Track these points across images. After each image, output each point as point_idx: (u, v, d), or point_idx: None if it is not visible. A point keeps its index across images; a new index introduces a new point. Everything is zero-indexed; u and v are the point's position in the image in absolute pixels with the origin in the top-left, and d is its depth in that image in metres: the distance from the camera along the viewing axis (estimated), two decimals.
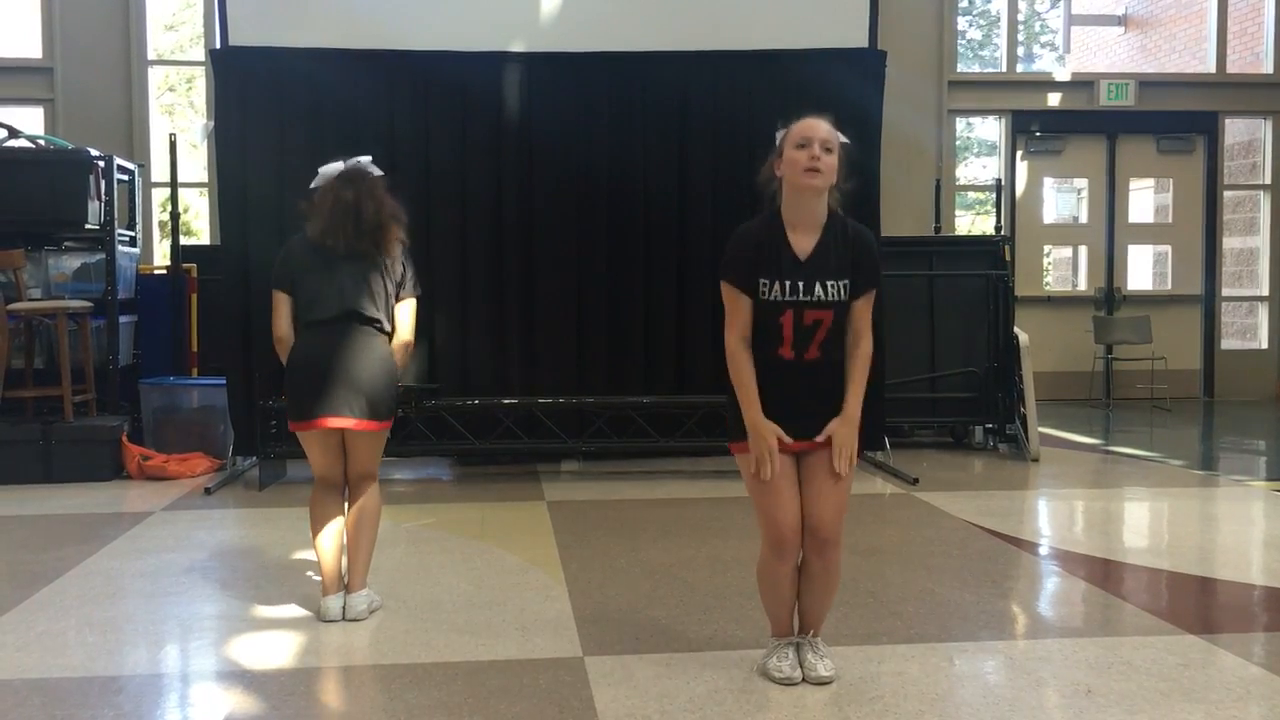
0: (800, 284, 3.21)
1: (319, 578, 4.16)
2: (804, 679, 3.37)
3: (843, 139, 3.30)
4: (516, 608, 4.19)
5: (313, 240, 4.07)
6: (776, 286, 3.21)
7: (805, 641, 3.44)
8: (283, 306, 4.11)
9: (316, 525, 4.08)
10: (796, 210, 3.27)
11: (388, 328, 4.11)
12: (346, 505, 4.14)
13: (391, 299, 4.12)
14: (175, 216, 8.13)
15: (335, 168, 4.14)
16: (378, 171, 4.17)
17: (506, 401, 6.95)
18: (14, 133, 7.65)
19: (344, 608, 4.03)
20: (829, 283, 3.22)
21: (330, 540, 4.06)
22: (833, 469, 3.28)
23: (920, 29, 10.83)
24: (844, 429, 3.27)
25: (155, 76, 10.84)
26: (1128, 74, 11.89)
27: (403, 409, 6.72)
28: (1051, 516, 6.22)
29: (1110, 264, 11.52)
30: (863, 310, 3.29)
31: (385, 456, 7.03)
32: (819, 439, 3.29)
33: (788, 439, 3.26)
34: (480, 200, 7.04)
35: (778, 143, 3.31)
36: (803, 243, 3.26)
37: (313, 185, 4.13)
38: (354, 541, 4.09)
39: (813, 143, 3.20)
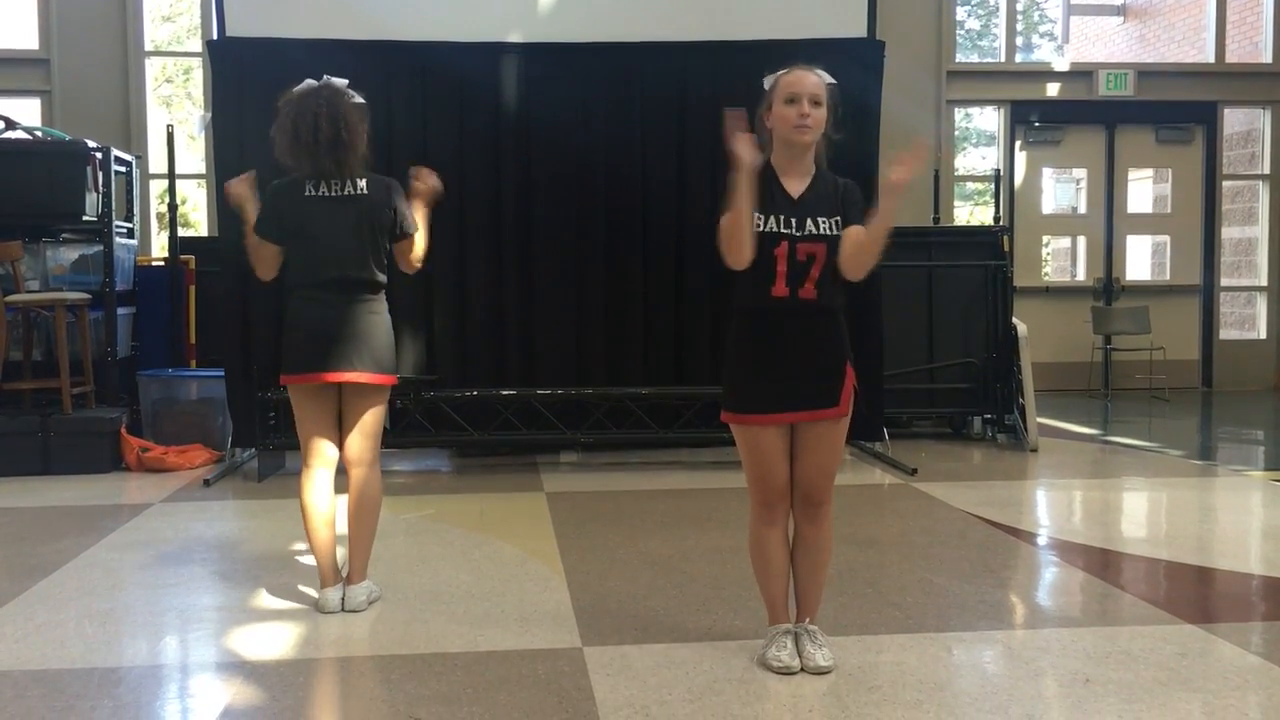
0: (794, 219, 3.24)
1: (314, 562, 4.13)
2: (802, 668, 3.37)
3: (829, 80, 3.30)
4: (515, 599, 4.19)
5: (282, 166, 3.96)
6: (771, 220, 3.23)
7: (803, 630, 3.44)
8: (265, 255, 4.02)
9: (309, 514, 4.01)
10: (786, 159, 3.31)
11: (380, 278, 4.03)
12: (336, 496, 4.10)
13: (383, 245, 4.02)
14: (173, 208, 8.11)
15: (308, 84, 4.04)
16: (355, 96, 4.05)
17: (505, 393, 6.95)
18: (11, 124, 7.63)
19: (343, 599, 4.02)
20: (821, 219, 3.25)
21: (324, 530, 4.02)
22: (823, 441, 3.31)
23: (919, 19, 10.81)
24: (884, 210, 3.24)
25: (152, 68, 10.82)
26: (1127, 64, 11.88)
27: (401, 400, 6.74)
28: (1050, 507, 6.23)
29: (1109, 254, 11.52)
30: (855, 233, 3.27)
31: (384, 449, 7.10)
32: (847, 401, 3.30)
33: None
34: (478, 191, 7.03)
35: (766, 91, 3.31)
36: (794, 186, 3.29)
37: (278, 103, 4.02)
38: (354, 531, 4.05)
39: (801, 98, 3.23)
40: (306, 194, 3.99)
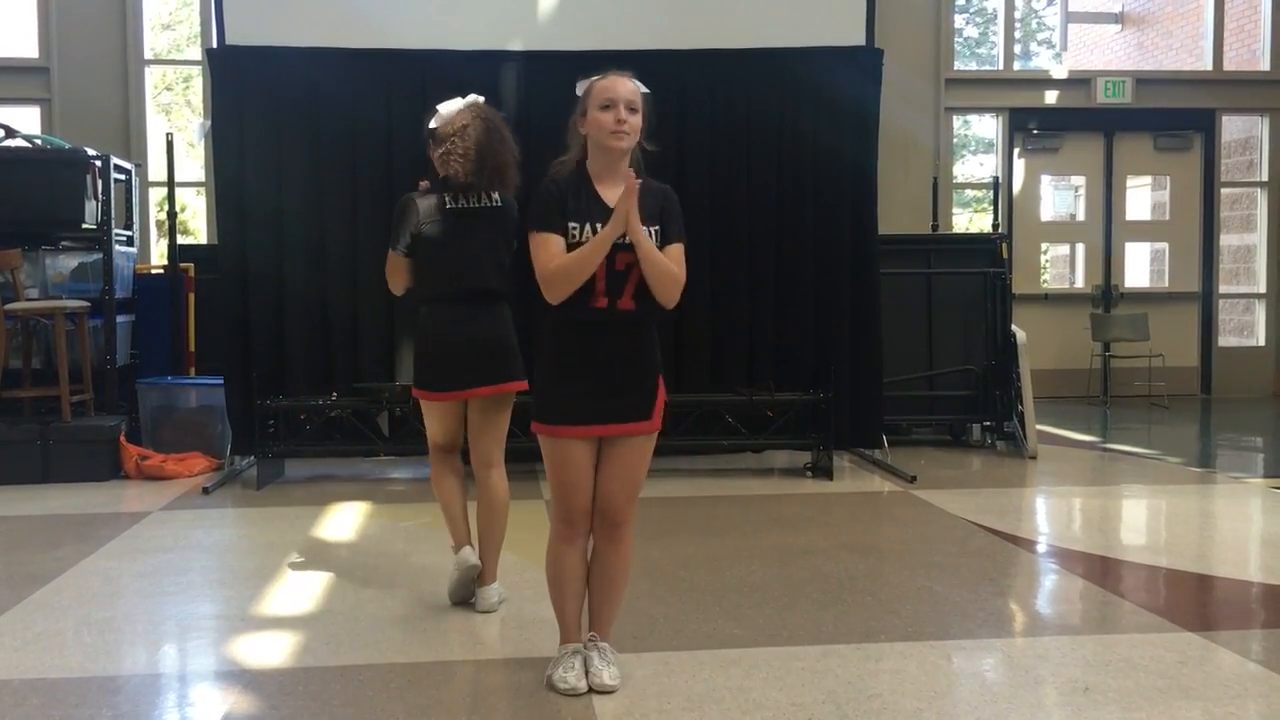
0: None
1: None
2: (589, 688, 3.29)
3: (644, 90, 3.25)
4: (515, 606, 4.19)
5: (446, 188, 4.05)
6: (588, 229, 3.16)
7: (593, 646, 3.36)
8: (403, 270, 4.14)
9: (446, 488, 4.22)
10: (602, 165, 3.25)
11: (506, 288, 4.15)
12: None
13: (510, 255, 4.16)
14: (172, 216, 8.11)
15: (458, 104, 4.13)
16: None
17: None
18: (11, 132, 7.63)
19: (479, 598, 4.12)
20: (642, 226, 3.16)
21: (460, 498, 4.21)
22: (631, 455, 3.26)
23: (917, 27, 10.83)
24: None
25: (152, 76, 10.82)
26: (1125, 71, 11.91)
27: (400, 408, 6.74)
28: (1049, 514, 6.22)
29: (1108, 261, 11.53)
30: (675, 254, 3.22)
31: (385, 455, 7.11)
32: (659, 417, 3.27)
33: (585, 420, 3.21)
34: None
35: (580, 97, 3.27)
36: (610, 194, 3.22)
37: (433, 125, 4.12)
38: (488, 533, 4.15)
39: (617, 104, 3.17)
40: (448, 206, 4.07)
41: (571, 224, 3.17)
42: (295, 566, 4.80)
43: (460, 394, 4.06)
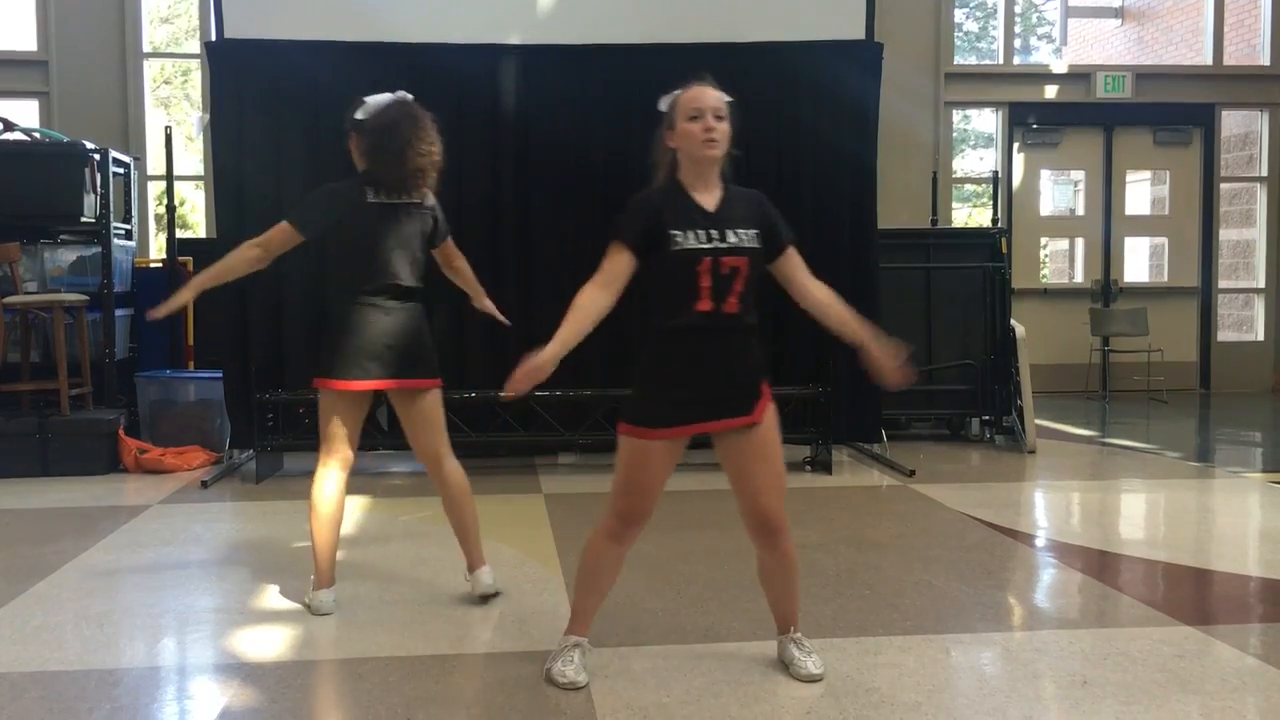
0: (714, 231, 3.17)
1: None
2: (792, 676, 3.35)
3: (727, 98, 3.28)
4: (513, 600, 4.19)
5: (368, 181, 3.99)
6: (691, 235, 3.16)
7: (790, 640, 3.42)
8: (285, 240, 3.99)
9: (319, 511, 3.99)
10: (694, 176, 3.25)
11: (422, 286, 4.11)
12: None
13: (427, 253, 4.15)
14: (171, 209, 8.11)
15: (386, 98, 4.08)
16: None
17: (503, 394, 6.93)
18: (9, 126, 7.63)
19: (473, 584, 4.12)
20: (740, 230, 3.19)
21: (331, 530, 4.02)
22: (766, 447, 3.26)
23: (917, 21, 10.82)
24: (883, 344, 3.30)
25: (151, 69, 10.81)
26: (1125, 66, 11.89)
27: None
28: (1048, 508, 6.23)
29: (1107, 256, 11.53)
30: (798, 258, 3.29)
31: (384, 450, 7.11)
32: (761, 412, 3.24)
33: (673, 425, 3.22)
34: (476, 193, 7.02)
35: (666, 111, 3.29)
36: (706, 200, 3.23)
37: (359, 117, 4.05)
38: (462, 521, 4.15)
39: (705, 113, 3.19)
40: (369, 200, 4.01)
41: (674, 232, 3.15)
42: (293, 560, 4.79)
43: (368, 384, 3.95)
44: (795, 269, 3.32)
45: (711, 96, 3.23)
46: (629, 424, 3.25)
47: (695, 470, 6.85)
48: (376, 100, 4.08)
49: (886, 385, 3.26)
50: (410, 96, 4.15)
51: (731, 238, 3.17)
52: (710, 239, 3.16)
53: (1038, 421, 7.96)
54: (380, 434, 6.87)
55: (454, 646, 3.71)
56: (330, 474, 4.00)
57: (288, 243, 4.02)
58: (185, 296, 4.13)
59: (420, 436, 4.10)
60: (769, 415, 3.27)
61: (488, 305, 4.56)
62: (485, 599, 4.14)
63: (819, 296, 3.33)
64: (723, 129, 3.21)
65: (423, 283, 4.11)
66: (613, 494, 3.31)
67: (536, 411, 6.98)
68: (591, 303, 3.19)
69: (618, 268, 3.19)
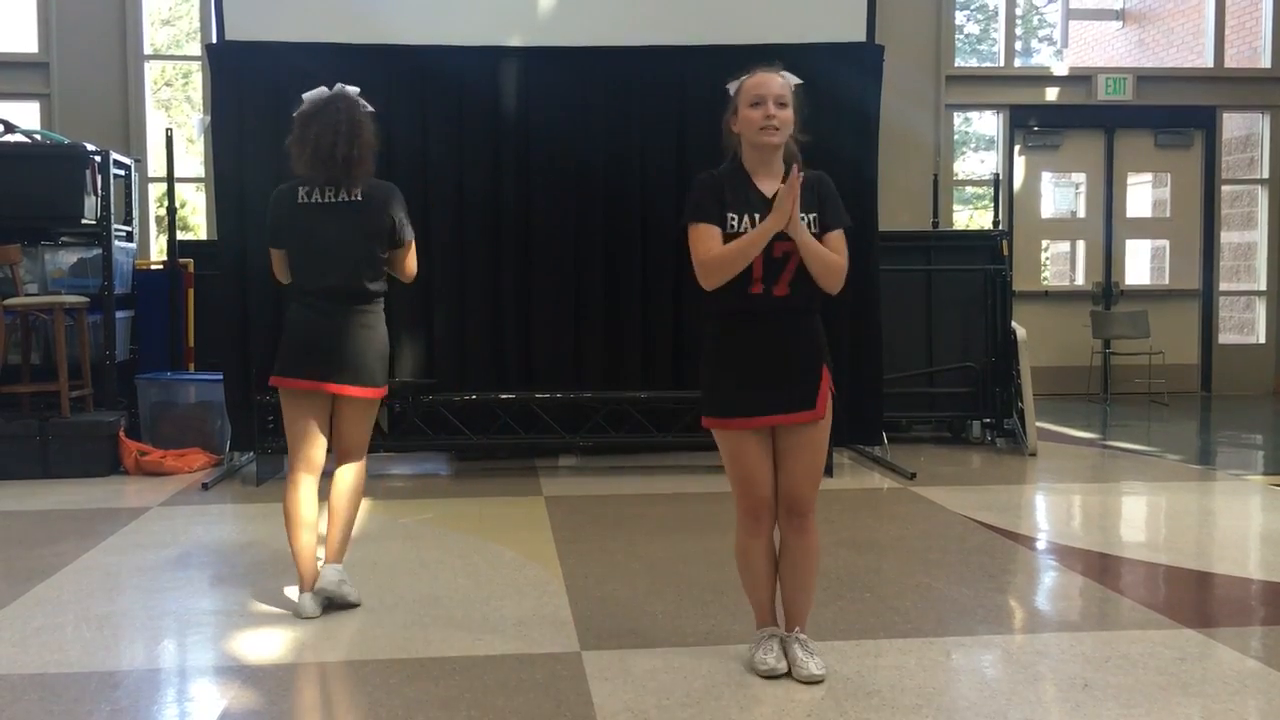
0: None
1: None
2: (793, 677, 3.36)
3: (796, 81, 3.31)
4: (514, 603, 4.19)
5: (297, 177, 3.99)
6: (746, 219, 3.22)
7: (794, 639, 3.43)
8: (281, 262, 4.12)
9: (291, 519, 4.02)
10: (756, 162, 3.31)
11: (375, 287, 4.02)
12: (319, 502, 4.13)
13: (379, 254, 4.02)
14: (172, 211, 8.11)
15: (321, 93, 4.03)
16: (366, 105, 4.06)
17: (504, 396, 6.94)
18: (10, 127, 7.63)
19: (316, 578, 4.02)
20: (800, 215, 3.20)
21: (307, 534, 4.02)
22: (808, 445, 3.29)
23: (918, 23, 10.82)
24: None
25: (151, 71, 10.82)
26: (1126, 68, 11.89)
27: (399, 404, 6.74)
28: (1049, 511, 6.22)
29: (1108, 259, 11.53)
30: (836, 240, 3.29)
31: (385, 451, 7.11)
32: (824, 403, 3.27)
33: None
34: (477, 195, 7.02)
35: (732, 96, 3.31)
36: (766, 186, 3.28)
37: (295, 113, 4.04)
38: (336, 508, 4.06)
39: (766, 100, 3.23)
40: (300, 200, 4.00)
41: (730, 214, 3.22)
42: (294, 562, 4.78)
43: (302, 382, 3.95)
44: (828, 243, 3.28)
45: (775, 83, 3.26)
46: (709, 416, 3.34)
47: (695, 472, 6.86)
48: (309, 95, 4.04)
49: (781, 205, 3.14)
50: (349, 90, 4.05)
51: None
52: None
53: (1039, 424, 7.95)
54: (380, 436, 6.85)
55: (455, 649, 3.70)
56: (294, 478, 4.04)
57: (277, 259, 4.14)
58: None
59: (341, 439, 4.08)
60: (823, 420, 3.32)
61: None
62: (322, 599, 4.03)
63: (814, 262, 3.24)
64: (784, 116, 3.25)
65: (374, 283, 4.02)
66: (733, 491, 3.39)
67: (537, 414, 6.98)
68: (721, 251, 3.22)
69: (714, 238, 3.23)
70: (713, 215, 3.25)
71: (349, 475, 4.10)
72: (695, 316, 6.99)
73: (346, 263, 3.96)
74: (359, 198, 3.99)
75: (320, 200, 3.98)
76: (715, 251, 3.21)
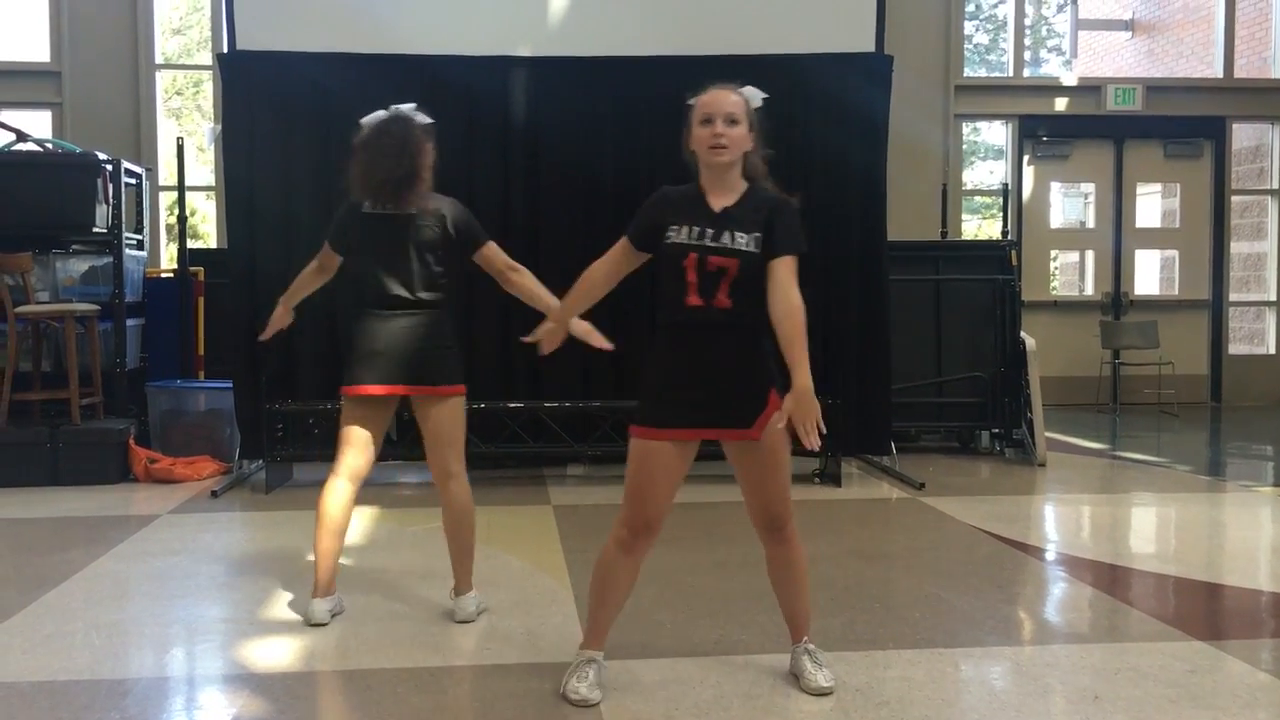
0: (709, 230, 3.17)
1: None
2: (801, 689, 3.34)
3: (760, 98, 3.26)
4: (522, 612, 4.19)
5: (355, 201, 4.05)
6: (685, 231, 3.19)
7: (802, 650, 3.41)
8: (326, 256, 4.16)
9: (323, 519, 3.99)
10: (711, 179, 3.27)
11: (432, 296, 4.06)
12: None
13: (436, 265, 4.06)
14: (182, 220, 8.14)
15: (377, 117, 4.10)
16: (423, 119, 4.12)
17: (512, 405, 6.95)
18: (22, 136, 7.67)
19: (454, 609, 4.06)
20: (738, 234, 3.15)
21: (332, 539, 4.02)
22: (773, 457, 3.23)
23: (927, 33, 10.83)
24: (796, 404, 3.00)
25: (162, 80, 10.87)
26: (1135, 79, 11.88)
27: (409, 411, 6.73)
28: (1058, 521, 6.21)
29: (1117, 269, 11.51)
30: (785, 268, 3.12)
31: (394, 460, 7.11)
32: (762, 428, 3.18)
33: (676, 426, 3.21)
34: (486, 204, 6.99)
35: (688, 115, 3.28)
36: (718, 201, 3.24)
37: (354, 140, 4.10)
38: (455, 544, 4.09)
39: (715, 119, 3.19)
40: (365, 211, 4.05)
41: (671, 228, 3.21)
42: (303, 570, 4.79)
43: (371, 390, 3.97)
44: (774, 277, 3.12)
45: (726, 101, 3.21)
46: (635, 424, 3.27)
47: (704, 482, 6.84)
48: (368, 120, 4.13)
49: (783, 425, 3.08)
50: (406, 109, 4.15)
51: (726, 239, 3.16)
52: (702, 236, 3.17)
53: (1048, 434, 7.93)
54: (389, 444, 6.85)
55: (463, 659, 3.71)
56: (335, 482, 4.03)
57: (330, 258, 4.19)
58: (281, 313, 4.41)
59: (431, 449, 4.09)
60: (776, 432, 3.13)
61: (580, 329, 3.96)
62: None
63: (776, 310, 3.09)
64: (733, 134, 3.19)
65: (433, 292, 4.08)
66: (622, 501, 3.31)
67: (545, 423, 6.99)
68: (588, 272, 3.42)
69: (614, 252, 3.39)
70: (637, 232, 3.30)
71: (458, 502, 4.06)
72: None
73: (404, 273, 4.03)
74: (413, 211, 4.06)
75: (380, 211, 4.05)
76: (590, 268, 3.40)
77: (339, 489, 4.02)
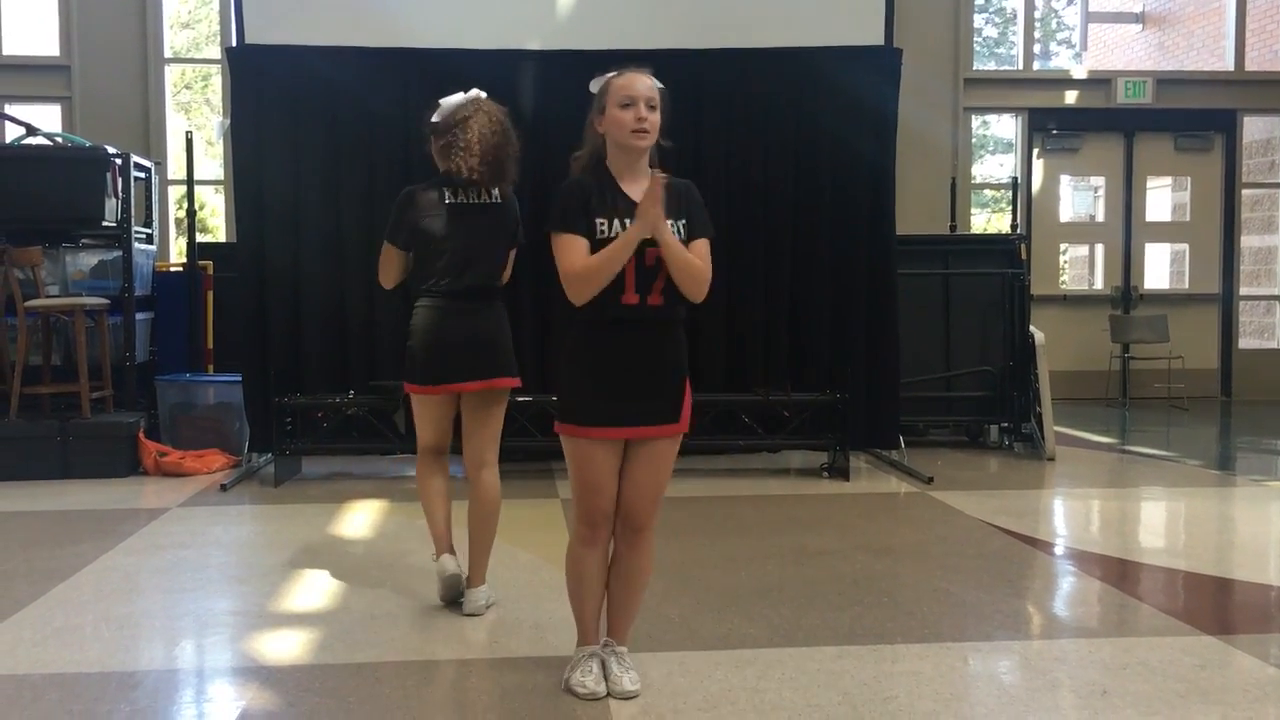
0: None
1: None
2: (608, 693, 3.27)
3: (659, 86, 3.20)
4: (530, 605, 4.19)
5: (447, 183, 4.04)
6: (616, 224, 3.11)
7: (610, 652, 3.34)
8: (397, 262, 4.14)
9: (427, 490, 4.18)
10: (622, 165, 3.20)
11: (501, 285, 4.13)
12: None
13: (507, 254, 4.16)
14: (191, 214, 8.16)
15: (458, 98, 4.09)
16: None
17: (520, 399, 6.94)
18: (32, 130, 7.69)
19: (467, 599, 4.08)
20: (667, 221, 3.09)
21: (439, 500, 4.16)
22: (656, 459, 3.21)
23: (936, 26, 10.80)
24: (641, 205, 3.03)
25: (171, 74, 10.88)
26: (1145, 72, 11.84)
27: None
28: (1067, 516, 6.20)
29: (1127, 262, 11.47)
30: (701, 249, 3.17)
31: (401, 454, 7.13)
32: (686, 420, 3.22)
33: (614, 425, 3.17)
34: None
35: (596, 95, 3.22)
36: (634, 190, 3.17)
37: (435, 118, 4.07)
38: (476, 535, 4.11)
39: (637, 102, 3.12)
40: (446, 201, 4.06)
41: (599, 220, 3.12)
42: (312, 563, 4.81)
43: (450, 387, 4.02)
44: (693, 251, 3.16)
45: (645, 85, 3.15)
46: (564, 422, 3.23)
47: (709, 476, 6.85)
48: (448, 101, 4.11)
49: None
50: (482, 94, 4.15)
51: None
52: None
53: (1057, 428, 7.91)
54: (397, 438, 6.88)
55: (472, 651, 3.71)
56: (425, 458, 4.19)
57: (394, 259, 4.15)
58: None
59: (471, 437, 4.11)
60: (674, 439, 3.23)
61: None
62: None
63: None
64: (654, 119, 3.15)
65: (501, 282, 4.14)
66: (572, 499, 3.30)
67: (552, 416, 6.97)
68: (585, 265, 3.10)
69: (579, 248, 3.11)
70: (578, 225, 3.11)
71: (487, 493, 4.09)
72: (709, 318, 7.00)
73: (486, 262, 4.06)
74: (498, 199, 4.10)
75: (467, 201, 4.06)
76: (581, 264, 3.08)
77: (430, 464, 4.19)
